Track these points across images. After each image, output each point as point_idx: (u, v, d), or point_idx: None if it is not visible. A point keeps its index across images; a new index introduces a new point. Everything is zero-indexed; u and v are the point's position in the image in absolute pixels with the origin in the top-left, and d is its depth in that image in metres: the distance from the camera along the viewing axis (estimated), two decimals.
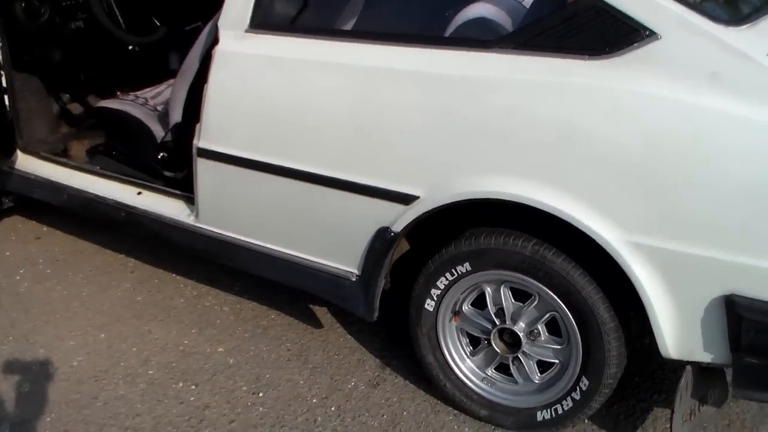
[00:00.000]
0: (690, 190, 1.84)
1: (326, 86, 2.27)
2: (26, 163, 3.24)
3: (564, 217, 1.97)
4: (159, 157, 2.98)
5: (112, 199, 2.94)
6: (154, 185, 2.93)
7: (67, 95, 3.75)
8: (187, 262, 3.21)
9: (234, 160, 2.49)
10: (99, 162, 3.23)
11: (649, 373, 2.58)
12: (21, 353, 2.76)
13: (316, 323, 2.89)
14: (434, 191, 2.14)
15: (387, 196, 2.22)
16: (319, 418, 2.44)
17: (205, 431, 2.40)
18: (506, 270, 2.17)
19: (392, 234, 2.26)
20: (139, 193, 2.93)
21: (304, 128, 2.32)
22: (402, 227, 2.23)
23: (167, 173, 2.98)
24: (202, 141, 2.53)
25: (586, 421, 2.39)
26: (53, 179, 3.12)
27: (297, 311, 2.95)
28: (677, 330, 2.00)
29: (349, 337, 2.83)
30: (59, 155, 3.36)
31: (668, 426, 2.14)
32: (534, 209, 2.01)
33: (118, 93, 3.57)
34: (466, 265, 2.22)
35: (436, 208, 2.15)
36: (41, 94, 3.47)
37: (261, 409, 2.49)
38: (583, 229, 1.96)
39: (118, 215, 2.93)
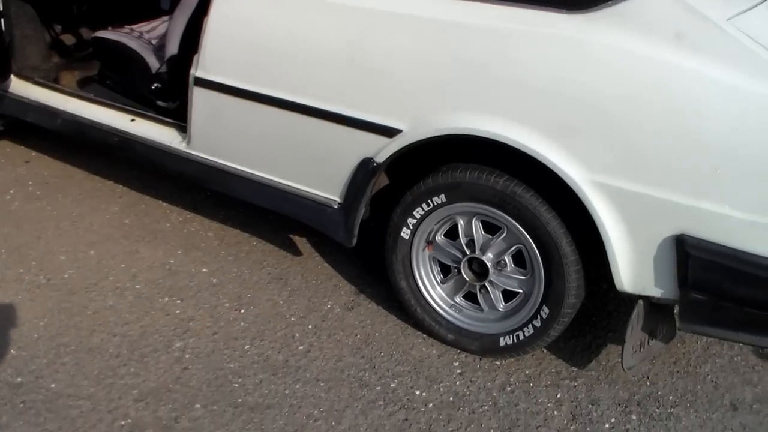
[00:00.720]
0: (650, 136, 2.02)
1: (323, 24, 2.41)
2: (20, 87, 3.34)
3: (533, 155, 2.16)
4: (153, 87, 3.11)
5: (107, 125, 3.07)
6: (147, 113, 3.06)
7: (60, 26, 3.82)
8: (174, 191, 3.35)
9: (229, 90, 2.63)
10: (93, 90, 3.34)
11: (606, 314, 2.79)
12: (14, 265, 2.90)
13: (296, 251, 3.07)
14: (417, 126, 2.31)
15: (373, 128, 2.39)
16: (297, 334, 2.63)
17: (189, 340, 2.57)
18: (478, 203, 2.36)
19: (375, 165, 2.42)
20: (133, 120, 3.06)
21: (298, 62, 2.47)
22: (384, 158, 2.40)
23: (160, 103, 3.11)
24: (199, 71, 2.67)
25: (544, 350, 2.60)
26: (48, 104, 3.23)
27: (278, 239, 3.12)
28: (632, 266, 2.20)
29: (327, 264, 3.01)
30: (50, 82, 3.45)
31: (621, 359, 2.34)
32: (507, 147, 2.19)
33: (109, 27, 3.66)
34: (442, 196, 2.41)
35: (417, 141, 2.32)
36: (35, 22, 3.54)
37: (242, 323, 2.67)
38: (550, 167, 2.15)
39: (112, 140, 3.06)
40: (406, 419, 2.32)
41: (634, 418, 2.37)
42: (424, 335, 2.65)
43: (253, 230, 3.18)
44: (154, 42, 3.34)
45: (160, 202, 3.37)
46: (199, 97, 2.72)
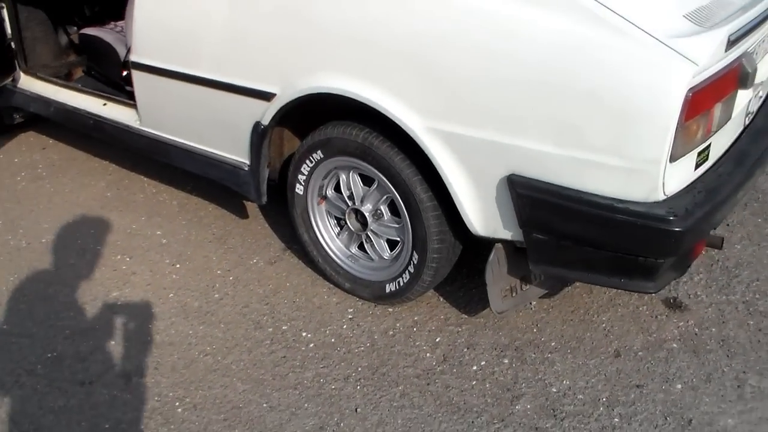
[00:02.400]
0: (467, 78, 2.15)
1: (208, 4, 2.69)
2: (26, 82, 3.83)
3: (374, 106, 2.34)
4: (123, 74, 3.49)
5: (84, 110, 3.49)
6: (116, 98, 3.45)
7: (75, 27, 4.31)
8: (154, 167, 3.73)
9: (153, 70, 2.96)
10: (81, 80, 3.79)
11: None
12: (5, 232, 3.37)
13: (243, 214, 3.36)
14: (285, 88, 2.54)
15: (254, 94, 2.64)
16: (218, 284, 2.93)
17: (126, 290, 2.93)
18: (346, 156, 2.56)
19: (263, 127, 2.68)
20: (105, 104, 3.45)
21: (196, 40, 2.76)
22: (269, 120, 2.64)
23: (128, 88, 3.48)
24: (132, 55, 3.02)
25: (440, 299, 2.76)
26: (44, 95, 3.69)
27: (232, 205, 3.43)
28: (478, 210, 2.33)
29: (267, 226, 3.29)
30: (60, 78, 3.92)
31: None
32: (358, 102, 2.38)
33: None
34: (319, 152, 2.63)
35: (289, 102, 2.55)
36: (45, 24, 4.02)
37: (174, 276, 3.00)
38: (390, 116, 2.33)
39: (88, 122, 3.47)
40: (285, 356, 2.56)
41: (505, 362, 2.49)
42: (329, 285, 2.87)
43: (212, 198, 3.51)
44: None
45: (142, 177, 3.76)
46: (137, 79, 3.07)
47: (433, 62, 2.21)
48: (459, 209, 2.35)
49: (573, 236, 2.17)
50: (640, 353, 2.48)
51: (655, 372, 2.39)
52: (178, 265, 3.06)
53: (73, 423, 2.32)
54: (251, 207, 3.42)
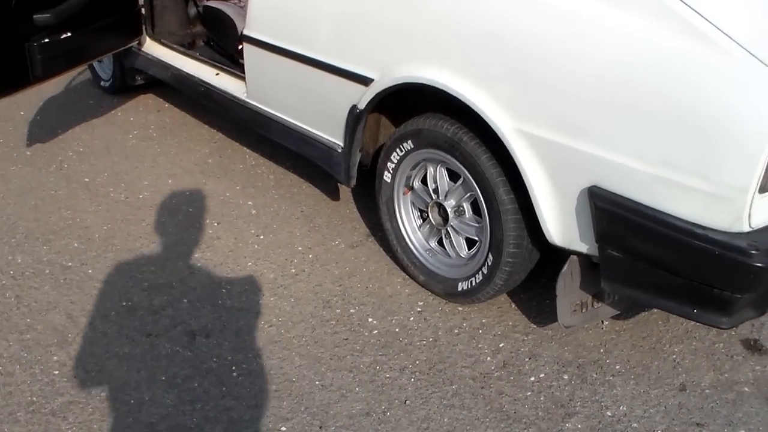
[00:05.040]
0: (567, 86, 2.09)
1: None
2: (150, 47, 4.01)
3: (465, 101, 2.32)
4: (239, 48, 3.60)
5: (197, 77, 3.63)
6: (229, 68, 3.57)
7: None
8: (259, 140, 3.83)
9: (262, 45, 3.04)
10: (200, 50, 3.94)
11: None
12: (109, 185, 3.54)
13: (335, 196, 3.40)
14: (383, 75, 2.56)
15: (354, 77, 2.67)
16: (296, 260, 2.97)
17: (207, 253, 3.02)
18: (436, 149, 2.55)
19: (358, 110, 2.70)
20: (217, 74, 3.59)
21: (307, 20, 2.82)
22: (365, 105, 2.66)
23: (242, 61, 3.58)
24: (246, 29, 3.11)
25: (512, 304, 2.71)
26: (164, 60, 3.87)
27: (326, 187, 3.48)
28: (557, 218, 2.27)
29: (355, 210, 3.31)
30: (184, 46, 4.09)
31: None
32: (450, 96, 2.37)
33: None
34: (409, 142, 2.63)
35: (384, 89, 2.57)
36: None
37: (257, 246, 3.07)
38: (480, 113, 2.30)
39: (199, 89, 3.61)
40: (347, 339, 2.57)
41: (565, 377, 2.41)
42: (405, 276, 2.87)
43: (308, 177, 3.57)
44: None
45: (245, 148, 3.87)
46: (248, 52, 3.16)
47: (529, 64, 2.16)
48: (538, 215, 2.29)
49: (648, 257, 2.08)
50: (707, 391, 2.35)
51: (719, 413, 2.25)
52: (262, 237, 3.13)
53: (133, 370, 2.41)
54: (344, 191, 3.46)
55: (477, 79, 2.29)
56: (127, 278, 2.86)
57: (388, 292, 2.80)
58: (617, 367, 2.45)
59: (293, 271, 2.92)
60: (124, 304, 2.73)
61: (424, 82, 2.42)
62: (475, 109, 2.30)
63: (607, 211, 2.10)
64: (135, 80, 4.30)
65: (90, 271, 2.92)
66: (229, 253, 3.02)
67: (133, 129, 4.11)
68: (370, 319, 2.66)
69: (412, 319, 2.66)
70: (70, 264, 2.96)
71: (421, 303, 2.75)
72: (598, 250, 2.19)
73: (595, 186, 2.12)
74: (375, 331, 2.60)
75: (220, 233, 3.16)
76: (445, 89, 2.36)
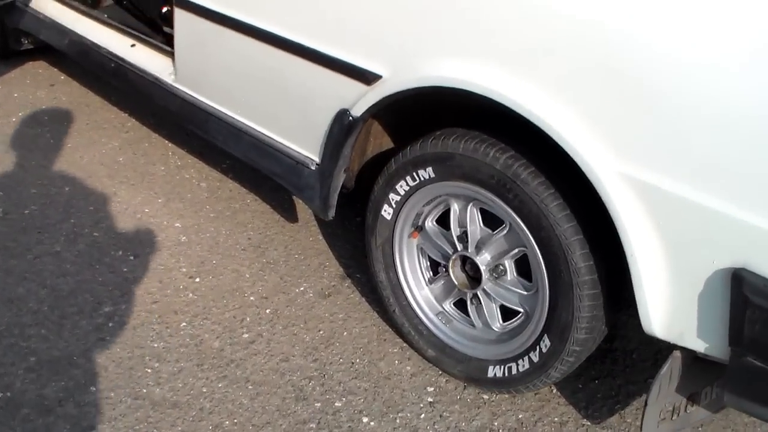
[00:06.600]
0: (701, 116, 1.35)
1: None
2: (41, 2, 3.04)
3: (543, 127, 1.52)
4: (163, 11, 2.68)
5: (106, 49, 2.73)
6: (149, 39, 2.66)
7: None
8: (186, 133, 2.93)
9: (204, 12, 2.19)
10: (108, 11, 2.98)
11: (652, 353, 2.10)
12: None
13: (292, 217, 2.56)
14: (397, 71, 1.73)
15: (349, 71, 1.84)
16: (248, 319, 2.14)
17: (121, 306, 2.14)
18: (473, 184, 1.75)
19: (351, 119, 1.87)
20: (133, 46, 2.69)
21: None
22: (362, 112, 1.84)
23: (167, 29, 2.68)
24: None
25: (553, 389, 1.97)
26: (59, 21, 2.95)
27: (277, 200, 2.63)
28: (666, 302, 1.54)
29: (321, 238, 2.48)
30: (86, 3, 3.12)
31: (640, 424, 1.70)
32: (511, 113, 1.57)
33: None
34: (430, 170, 1.81)
35: (399, 92, 1.74)
36: None
37: (191, 295, 2.21)
38: (563, 145, 1.52)
39: (108, 65, 2.71)
40: None
41: None
42: (404, 344, 2.08)
43: (253, 186, 2.71)
44: None
45: (167, 142, 2.96)
46: (180, 21, 2.29)
47: (644, 81, 1.39)
48: (636, 296, 1.55)
49: None
50: None
51: None
52: (197, 279, 2.27)
53: None
54: (302, 207, 2.61)
55: (560, 91, 1.50)
56: (5, 350, 1.97)
57: (384, 372, 2.01)
58: None
59: (246, 336, 2.08)
60: (1, 395, 1.84)
61: (470, 88, 1.61)
62: (556, 138, 1.52)
63: (763, 308, 1.37)
64: (21, 44, 3.32)
65: None
66: (152, 306, 2.16)
67: (17, 109, 3.13)
68: (365, 419, 1.87)
69: (423, 416, 1.89)
70: None
71: (430, 389, 1.97)
72: (731, 356, 1.47)
73: (743, 269, 1.38)
74: None
75: (139, 273, 2.28)
76: (507, 104, 1.56)
